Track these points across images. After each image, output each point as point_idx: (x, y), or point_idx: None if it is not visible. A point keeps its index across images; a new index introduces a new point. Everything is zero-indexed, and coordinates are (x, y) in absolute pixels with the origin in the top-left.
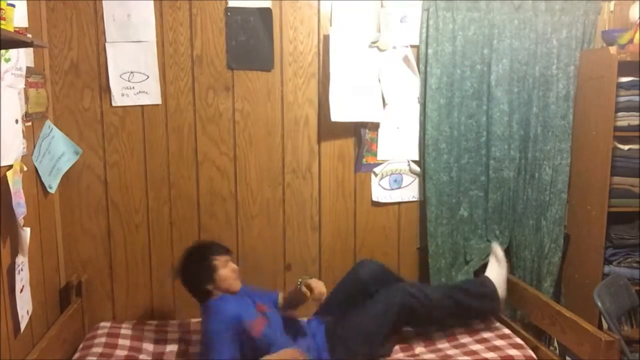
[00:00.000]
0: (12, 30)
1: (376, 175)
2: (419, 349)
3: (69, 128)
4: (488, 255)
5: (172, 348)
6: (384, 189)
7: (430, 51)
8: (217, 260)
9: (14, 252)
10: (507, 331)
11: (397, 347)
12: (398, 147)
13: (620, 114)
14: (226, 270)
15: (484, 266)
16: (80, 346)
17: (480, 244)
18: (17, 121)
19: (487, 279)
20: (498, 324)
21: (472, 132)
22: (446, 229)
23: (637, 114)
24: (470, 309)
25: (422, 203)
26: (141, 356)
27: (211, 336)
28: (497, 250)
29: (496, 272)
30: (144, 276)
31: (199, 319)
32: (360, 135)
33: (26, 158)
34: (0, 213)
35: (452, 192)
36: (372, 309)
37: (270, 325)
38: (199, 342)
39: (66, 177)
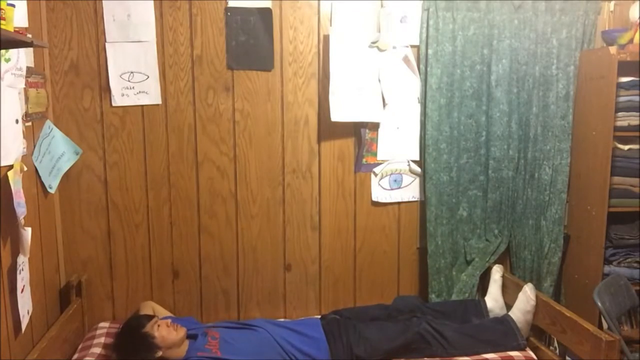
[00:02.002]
0: (12, 30)
1: (376, 175)
2: None
3: (69, 128)
4: (491, 255)
5: None
6: (384, 189)
7: (430, 51)
8: (147, 329)
9: (15, 252)
10: None
11: None
12: (398, 147)
13: (620, 114)
14: (161, 330)
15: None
16: (80, 346)
17: (480, 243)
18: (17, 121)
19: (508, 318)
20: None
21: (472, 132)
22: (446, 228)
23: (637, 114)
24: (486, 340)
25: (422, 203)
26: None
27: None
28: (529, 290)
29: (522, 312)
30: (144, 276)
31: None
32: (360, 135)
33: (26, 158)
34: (1, 213)
35: (452, 192)
36: (390, 326)
37: (223, 341)
38: None
39: (66, 177)
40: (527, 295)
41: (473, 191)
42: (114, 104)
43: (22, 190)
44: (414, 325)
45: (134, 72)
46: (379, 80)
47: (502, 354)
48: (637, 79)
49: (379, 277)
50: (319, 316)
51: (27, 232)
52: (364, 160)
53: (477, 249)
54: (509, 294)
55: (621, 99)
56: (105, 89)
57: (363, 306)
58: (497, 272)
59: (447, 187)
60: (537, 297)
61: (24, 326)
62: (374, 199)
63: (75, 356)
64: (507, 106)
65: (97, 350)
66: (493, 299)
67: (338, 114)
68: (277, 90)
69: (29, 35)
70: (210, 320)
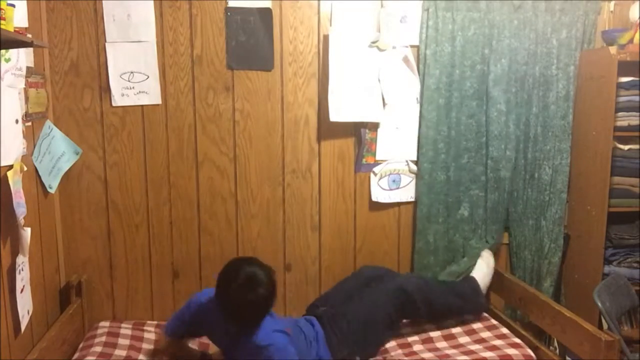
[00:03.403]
0: (12, 30)
1: (375, 175)
2: (417, 347)
3: (69, 128)
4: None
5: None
6: (383, 189)
7: (428, 52)
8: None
9: (15, 252)
10: (505, 331)
11: (394, 344)
12: (397, 147)
13: (620, 114)
14: None
15: None
16: (80, 346)
17: (479, 243)
18: (17, 121)
19: (473, 278)
20: (496, 323)
21: (472, 132)
22: (442, 227)
23: (637, 114)
24: (456, 301)
25: None
26: (140, 356)
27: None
28: (489, 257)
29: (482, 275)
30: (144, 276)
31: None
32: (360, 135)
33: (26, 158)
34: (0, 213)
35: (448, 191)
36: (370, 298)
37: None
38: None
39: (66, 177)
40: (487, 261)
41: (474, 191)
42: (114, 104)
43: (22, 190)
44: (387, 284)
45: (134, 72)
46: (379, 80)
47: (501, 352)
48: (637, 79)
49: None
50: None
51: (27, 232)
52: (364, 160)
53: (477, 248)
54: (510, 294)
55: (621, 99)
56: (105, 89)
57: (335, 291)
58: (485, 254)
59: (441, 186)
60: (536, 296)
61: (23, 326)
62: (374, 199)
63: (76, 356)
64: (507, 106)
65: (98, 349)
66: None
67: (337, 114)
68: (277, 90)
69: (29, 35)
70: None
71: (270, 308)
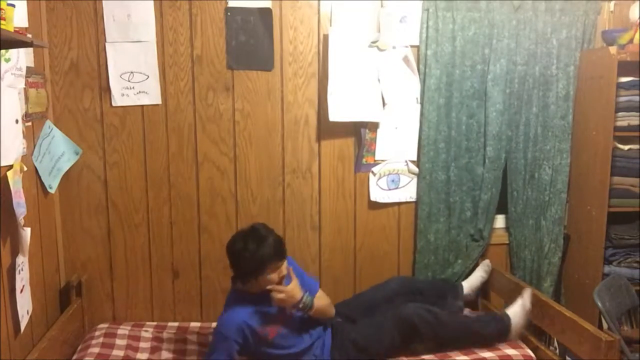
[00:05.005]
0: (12, 30)
1: (374, 175)
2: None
3: (69, 128)
4: (476, 259)
5: (169, 349)
6: (382, 189)
7: (429, 52)
8: (270, 268)
9: (14, 252)
10: None
11: None
12: (396, 147)
13: (620, 114)
14: (272, 277)
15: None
16: (79, 347)
17: (474, 242)
18: (17, 121)
19: (506, 318)
20: None
21: (473, 132)
22: (442, 226)
23: (637, 114)
24: (479, 332)
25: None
26: (138, 355)
27: (216, 337)
28: (527, 297)
29: (518, 316)
30: (144, 276)
31: (198, 323)
32: (360, 135)
33: (26, 158)
34: (0, 213)
35: (448, 190)
36: (377, 323)
37: (285, 331)
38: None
39: (66, 177)
40: (524, 301)
41: (475, 191)
42: (114, 104)
43: (22, 190)
44: (399, 313)
45: (134, 72)
46: (379, 80)
47: (500, 353)
48: (637, 79)
49: (379, 277)
50: None
51: (27, 232)
52: (364, 160)
53: (474, 246)
54: (510, 294)
55: (621, 99)
56: (105, 89)
57: (356, 299)
58: (484, 269)
59: (443, 186)
60: (536, 296)
61: (22, 326)
62: (372, 199)
63: (75, 357)
64: (507, 106)
65: (96, 350)
66: (469, 287)
67: (336, 114)
68: (277, 90)
69: (29, 35)
70: (210, 320)
71: (248, 267)
